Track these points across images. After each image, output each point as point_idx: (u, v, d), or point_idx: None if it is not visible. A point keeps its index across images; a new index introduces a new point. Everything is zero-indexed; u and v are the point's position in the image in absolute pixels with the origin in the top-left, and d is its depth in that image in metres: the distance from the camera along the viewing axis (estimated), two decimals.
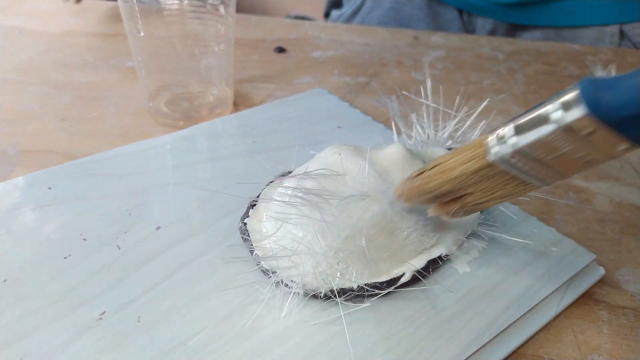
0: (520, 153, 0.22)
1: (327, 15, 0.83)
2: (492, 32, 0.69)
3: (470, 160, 0.24)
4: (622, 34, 0.64)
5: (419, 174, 0.26)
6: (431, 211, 0.27)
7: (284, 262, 0.26)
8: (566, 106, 0.21)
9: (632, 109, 0.20)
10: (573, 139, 0.21)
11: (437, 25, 0.71)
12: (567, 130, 0.21)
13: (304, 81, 0.52)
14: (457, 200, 0.25)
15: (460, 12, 0.71)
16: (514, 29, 0.69)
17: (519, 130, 0.22)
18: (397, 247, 0.27)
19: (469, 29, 0.71)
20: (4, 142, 0.41)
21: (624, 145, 0.21)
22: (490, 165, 0.24)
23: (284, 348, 0.24)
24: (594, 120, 0.21)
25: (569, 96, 0.21)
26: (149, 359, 0.23)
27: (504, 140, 0.23)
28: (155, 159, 0.36)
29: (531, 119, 0.22)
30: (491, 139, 0.23)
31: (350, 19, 0.77)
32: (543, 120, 0.22)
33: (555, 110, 0.21)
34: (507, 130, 0.23)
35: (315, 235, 0.26)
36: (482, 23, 0.70)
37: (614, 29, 0.64)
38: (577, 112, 0.21)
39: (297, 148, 0.37)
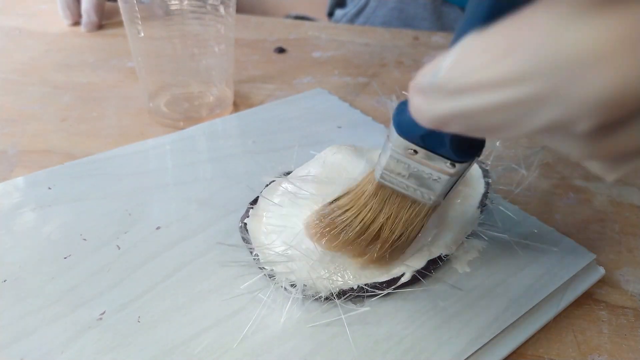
0: (387, 169, 0.24)
1: (330, 14, 0.83)
2: None
3: (367, 184, 0.26)
4: None
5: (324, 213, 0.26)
6: (356, 263, 0.27)
7: (281, 268, 0.26)
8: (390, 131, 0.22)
9: (419, 129, 0.21)
10: (409, 157, 0.22)
11: (441, 24, 0.71)
12: (397, 150, 0.22)
13: (304, 81, 0.52)
14: (373, 240, 0.26)
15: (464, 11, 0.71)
16: None
17: (382, 151, 0.24)
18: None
19: None
20: (4, 142, 0.41)
21: (447, 162, 0.22)
22: (381, 185, 0.25)
23: (284, 348, 0.24)
24: (404, 139, 0.21)
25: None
26: (148, 359, 0.23)
27: (379, 162, 0.24)
28: (155, 159, 0.36)
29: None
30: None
31: (354, 18, 0.77)
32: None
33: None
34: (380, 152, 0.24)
35: (310, 240, 0.26)
36: None
37: None
38: (392, 133, 0.22)
39: (297, 148, 0.37)
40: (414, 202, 0.25)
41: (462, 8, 0.71)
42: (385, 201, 0.25)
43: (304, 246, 0.26)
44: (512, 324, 0.25)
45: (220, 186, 0.34)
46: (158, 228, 0.30)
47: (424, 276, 0.27)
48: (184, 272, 0.27)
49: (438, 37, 0.62)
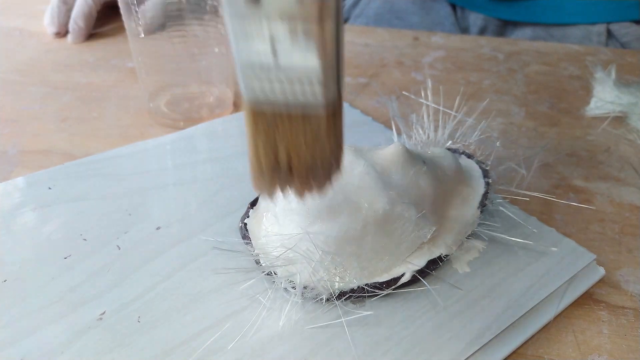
0: (247, 65, 0.18)
1: None
2: (484, 29, 0.70)
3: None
4: (609, 33, 0.64)
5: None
6: (294, 194, 0.21)
7: (281, 272, 0.26)
8: None
9: None
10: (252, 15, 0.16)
11: (431, 19, 0.72)
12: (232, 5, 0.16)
13: None
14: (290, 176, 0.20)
15: (454, 7, 0.71)
16: (504, 26, 0.70)
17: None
18: (394, 245, 0.27)
19: (462, 25, 0.72)
20: (4, 143, 0.41)
21: None
22: (254, 111, 0.19)
23: (284, 349, 0.24)
24: None
25: None
26: (148, 359, 0.23)
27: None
28: (155, 159, 0.36)
29: None
30: None
31: (351, 9, 0.78)
32: None
33: None
34: None
35: (310, 242, 0.26)
36: (474, 19, 0.70)
37: (600, 28, 0.64)
38: None
39: None
40: (304, 116, 0.19)
41: (452, 5, 0.71)
42: (272, 131, 0.19)
43: (304, 247, 0.26)
44: (512, 324, 0.25)
45: (220, 186, 0.34)
46: (158, 228, 0.30)
47: (424, 276, 0.27)
48: (184, 272, 0.27)
49: (438, 38, 0.62)
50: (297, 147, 0.19)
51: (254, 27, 0.17)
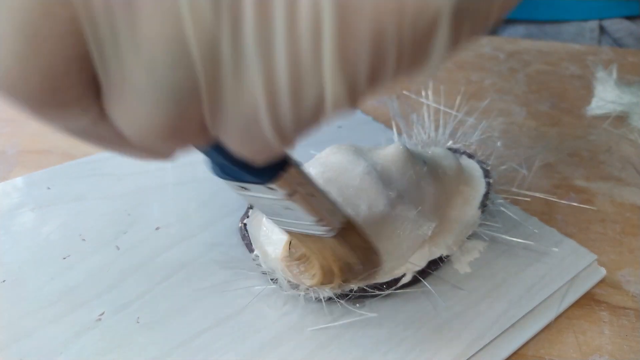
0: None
1: None
2: None
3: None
4: (602, 29, 0.64)
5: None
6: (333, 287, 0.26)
7: (281, 272, 0.26)
8: None
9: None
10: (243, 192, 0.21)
11: None
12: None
13: None
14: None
15: None
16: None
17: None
18: (394, 244, 0.27)
19: None
20: (3, 142, 0.41)
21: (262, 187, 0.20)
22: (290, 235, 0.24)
23: (284, 349, 0.24)
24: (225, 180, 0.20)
25: None
26: (148, 359, 0.23)
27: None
28: None
29: None
30: None
31: None
32: None
33: None
34: None
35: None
36: None
37: (593, 24, 0.64)
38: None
39: (297, 148, 0.37)
40: (318, 238, 0.23)
41: None
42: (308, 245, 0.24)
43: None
44: (513, 325, 0.25)
45: (220, 186, 0.33)
46: (158, 228, 0.30)
47: (425, 277, 0.27)
48: (184, 272, 0.27)
49: None
50: (328, 258, 0.24)
51: (254, 201, 0.21)
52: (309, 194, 0.20)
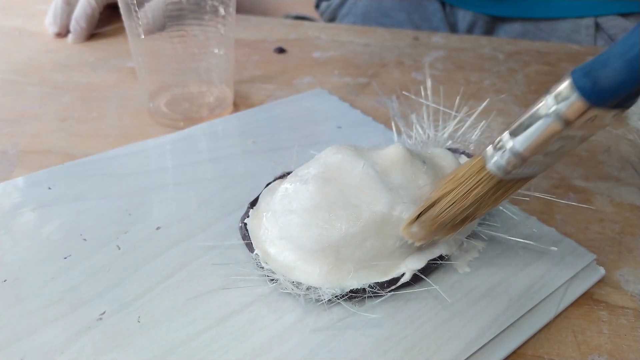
0: (517, 157, 0.23)
1: (317, 6, 0.84)
2: (472, 25, 0.70)
3: (479, 185, 0.24)
4: (598, 27, 0.65)
5: (421, 212, 0.26)
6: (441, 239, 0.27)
7: (281, 270, 0.26)
8: (561, 100, 0.21)
9: (631, 86, 0.20)
10: (571, 129, 0.21)
11: (419, 16, 0.72)
12: (565, 124, 0.21)
13: (304, 81, 0.52)
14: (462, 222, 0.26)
15: (443, 4, 0.71)
16: (493, 22, 0.70)
17: (515, 135, 0.23)
18: (395, 245, 0.27)
19: (450, 21, 0.72)
20: (4, 143, 0.41)
21: (613, 113, 0.21)
22: (499, 180, 0.24)
23: (284, 349, 0.24)
24: (592, 108, 0.20)
25: (563, 90, 0.21)
26: (148, 359, 0.23)
27: (503, 149, 0.23)
28: (155, 159, 0.36)
29: (526, 119, 0.22)
30: (489, 150, 0.24)
31: (338, 8, 0.78)
32: (537, 118, 0.22)
33: (551, 107, 0.21)
34: (505, 137, 0.23)
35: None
36: (463, 15, 0.70)
37: (589, 21, 0.65)
38: (574, 105, 0.20)
39: (297, 148, 0.37)
40: (520, 180, 0.25)
41: (442, 3, 0.71)
42: (488, 190, 0.24)
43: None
44: (512, 324, 0.25)
45: (220, 186, 0.34)
46: (158, 228, 0.30)
47: (424, 276, 0.27)
48: (184, 272, 0.27)
49: (438, 38, 0.62)
50: (485, 202, 0.25)
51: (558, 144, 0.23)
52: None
